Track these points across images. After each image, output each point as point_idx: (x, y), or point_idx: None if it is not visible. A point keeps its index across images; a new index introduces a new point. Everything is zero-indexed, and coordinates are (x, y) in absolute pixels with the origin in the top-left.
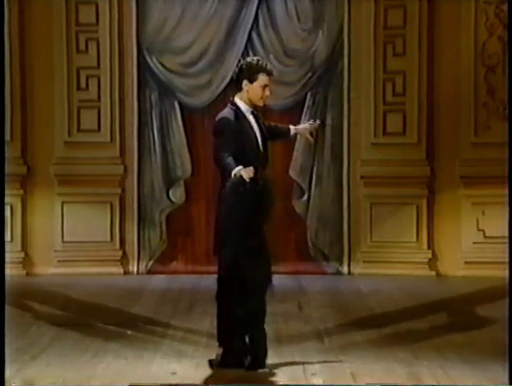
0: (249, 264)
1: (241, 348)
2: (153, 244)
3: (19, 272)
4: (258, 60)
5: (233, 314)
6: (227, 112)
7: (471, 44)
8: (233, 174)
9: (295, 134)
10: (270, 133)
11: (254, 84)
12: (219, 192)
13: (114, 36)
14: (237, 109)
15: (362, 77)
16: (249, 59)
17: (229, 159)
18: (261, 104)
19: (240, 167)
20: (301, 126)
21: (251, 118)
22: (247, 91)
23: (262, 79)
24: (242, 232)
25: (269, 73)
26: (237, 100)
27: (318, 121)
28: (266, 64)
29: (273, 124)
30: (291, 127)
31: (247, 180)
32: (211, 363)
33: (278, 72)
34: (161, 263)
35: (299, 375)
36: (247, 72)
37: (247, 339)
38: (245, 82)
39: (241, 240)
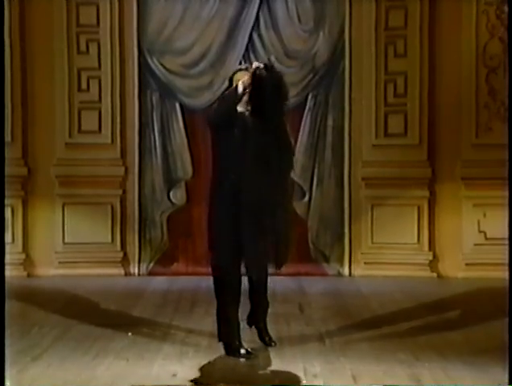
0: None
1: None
2: (154, 246)
3: (20, 273)
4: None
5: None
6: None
7: (472, 45)
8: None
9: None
10: None
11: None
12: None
13: (115, 37)
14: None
15: (363, 78)
16: None
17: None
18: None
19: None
20: None
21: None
22: None
23: (236, 79)
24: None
25: (240, 70)
26: None
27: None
28: (238, 68)
29: None
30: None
31: (240, 90)
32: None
33: None
34: (162, 264)
35: (300, 376)
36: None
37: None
38: None
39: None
